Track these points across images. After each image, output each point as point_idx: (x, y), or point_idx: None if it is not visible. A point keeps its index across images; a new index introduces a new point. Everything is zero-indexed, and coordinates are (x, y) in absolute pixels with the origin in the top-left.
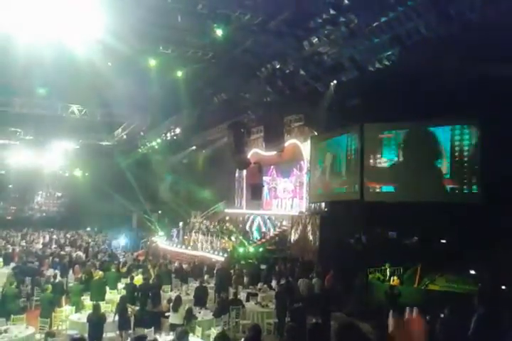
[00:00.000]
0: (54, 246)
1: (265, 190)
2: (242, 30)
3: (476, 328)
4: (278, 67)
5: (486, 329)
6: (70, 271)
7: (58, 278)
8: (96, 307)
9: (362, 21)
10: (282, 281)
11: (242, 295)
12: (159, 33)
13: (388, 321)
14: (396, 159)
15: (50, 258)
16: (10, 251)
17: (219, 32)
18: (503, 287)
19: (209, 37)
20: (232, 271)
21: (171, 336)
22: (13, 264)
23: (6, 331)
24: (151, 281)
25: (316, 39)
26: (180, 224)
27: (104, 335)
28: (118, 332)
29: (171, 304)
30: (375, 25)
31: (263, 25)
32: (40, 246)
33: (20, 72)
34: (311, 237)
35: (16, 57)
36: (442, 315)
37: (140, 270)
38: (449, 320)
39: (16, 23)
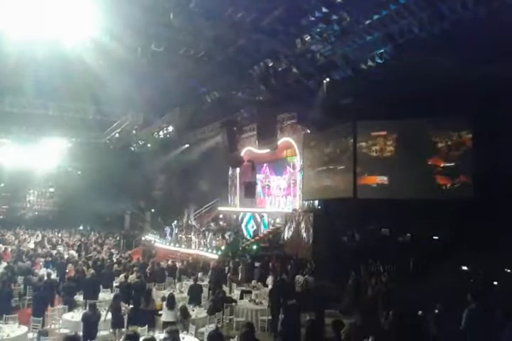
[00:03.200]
0: (47, 245)
1: (258, 187)
2: (234, 28)
3: (467, 323)
4: (271, 65)
5: (478, 325)
6: None
7: (51, 277)
8: (91, 306)
9: (354, 19)
10: (276, 279)
11: (236, 293)
12: (151, 31)
13: None
14: (389, 156)
15: (43, 257)
16: (2, 250)
17: (211, 30)
18: (495, 283)
19: (201, 35)
20: (226, 269)
21: (165, 334)
22: (4, 264)
23: None
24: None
25: (309, 37)
26: (174, 222)
27: (97, 334)
28: (111, 330)
29: (165, 302)
30: (367, 23)
31: (255, 23)
32: (33, 246)
33: (11, 70)
34: (304, 235)
35: (6, 55)
36: (436, 311)
37: (135, 268)
38: (443, 316)
39: (8, 20)
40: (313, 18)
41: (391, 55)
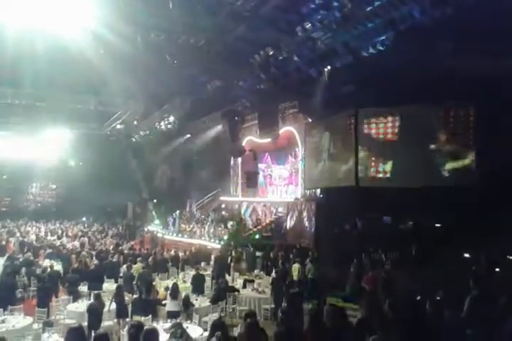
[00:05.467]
0: (49, 237)
1: (260, 177)
2: (234, 16)
3: (469, 310)
4: (271, 53)
5: (479, 312)
6: None
7: (55, 268)
8: (96, 297)
9: (355, 6)
10: (279, 268)
11: (239, 282)
12: (151, 21)
13: None
14: (391, 143)
15: (46, 248)
16: (5, 242)
17: (210, 18)
18: (498, 269)
19: (201, 24)
20: (229, 258)
21: (168, 323)
22: (8, 255)
23: (3, 321)
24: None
25: (309, 24)
26: (176, 212)
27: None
28: (116, 320)
29: (168, 292)
30: (368, 9)
31: (255, 10)
32: (36, 237)
33: (11, 62)
34: (306, 223)
35: (6, 47)
36: (438, 298)
37: (139, 258)
38: (444, 303)
39: (7, 12)
40: (313, 5)
41: (392, 42)
